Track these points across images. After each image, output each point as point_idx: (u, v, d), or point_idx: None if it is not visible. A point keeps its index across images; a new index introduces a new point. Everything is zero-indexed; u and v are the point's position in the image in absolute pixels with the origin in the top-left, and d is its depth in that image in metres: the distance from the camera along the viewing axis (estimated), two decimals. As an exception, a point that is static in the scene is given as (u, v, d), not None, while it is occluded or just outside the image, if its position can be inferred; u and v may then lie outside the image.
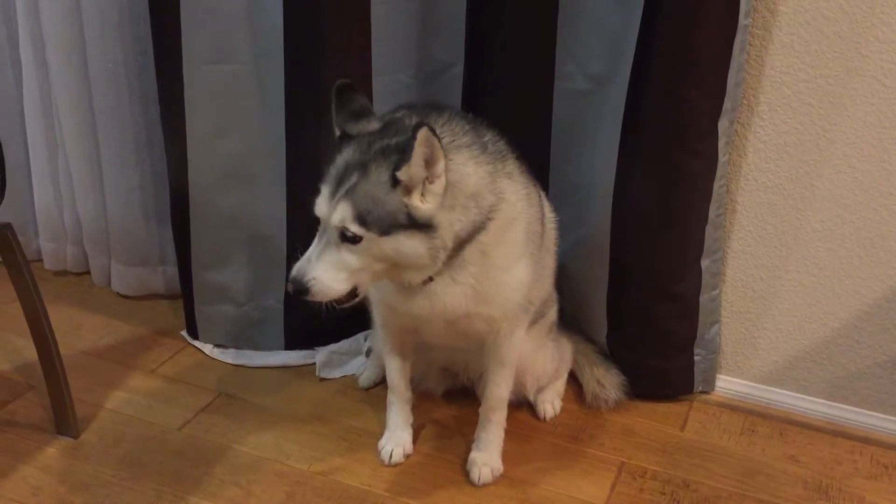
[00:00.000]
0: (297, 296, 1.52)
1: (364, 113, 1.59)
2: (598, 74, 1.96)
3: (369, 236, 1.48)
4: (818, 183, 1.93)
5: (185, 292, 2.34)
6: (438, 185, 1.48)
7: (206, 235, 2.23)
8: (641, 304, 2.07)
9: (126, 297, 2.60)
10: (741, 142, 1.96)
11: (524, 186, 1.68)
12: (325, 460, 1.92)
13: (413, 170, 1.45)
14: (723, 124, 1.87)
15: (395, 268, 1.54)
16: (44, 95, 2.50)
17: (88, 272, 2.70)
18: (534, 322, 1.91)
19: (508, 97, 2.02)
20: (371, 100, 1.80)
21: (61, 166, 2.57)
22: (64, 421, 1.95)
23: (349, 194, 1.48)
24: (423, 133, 1.42)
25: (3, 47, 2.52)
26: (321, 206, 1.52)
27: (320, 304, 1.53)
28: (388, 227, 1.48)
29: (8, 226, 1.75)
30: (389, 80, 2.03)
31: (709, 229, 1.99)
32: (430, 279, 1.61)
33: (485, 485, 1.86)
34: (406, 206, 1.47)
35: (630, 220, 1.99)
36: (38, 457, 1.90)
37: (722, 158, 1.91)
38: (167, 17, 2.00)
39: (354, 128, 1.57)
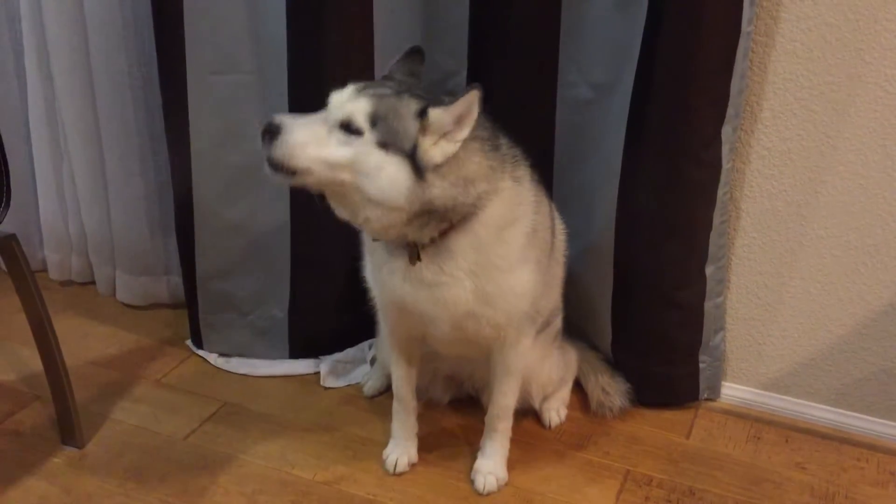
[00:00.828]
0: (263, 136, 1.47)
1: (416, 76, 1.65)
2: (602, 83, 1.96)
3: (367, 139, 1.47)
4: (822, 189, 1.93)
5: (190, 302, 2.34)
6: (449, 149, 1.49)
7: (211, 245, 2.24)
8: (646, 311, 2.07)
9: (131, 306, 2.61)
10: (745, 149, 1.96)
11: (534, 194, 1.68)
12: (330, 469, 1.92)
13: (444, 116, 1.47)
14: (726, 131, 1.87)
15: (356, 192, 1.50)
16: (48, 106, 2.51)
17: (93, 282, 2.70)
18: (540, 331, 1.91)
19: (512, 105, 2.02)
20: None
21: (66, 177, 2.58)
22: (69, 431, 1.96)
23: (375, 95, 1.50)
24: (474, 93, 1.46)
25: (8, 58, 2.53)
26: (338, 96, 1.52)
27: (272, 166, 1.49)
28: (389, 142, 1.47)
29: (13, 236, 1.76)
30: (393, 89, 2.04)
31: (713, 236, 1.99)
32: (417, 259, 1.60)
33: (490, 494, 1.86)
34: (417, 139, 1.48)
35: (634, 228, 1.99)
36: (44, 467, 1.90)
37: (726, 165, 1.91)
38: (171, 27, 2.01)
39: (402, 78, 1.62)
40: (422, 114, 1.48)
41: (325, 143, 1.48)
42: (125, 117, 2.38)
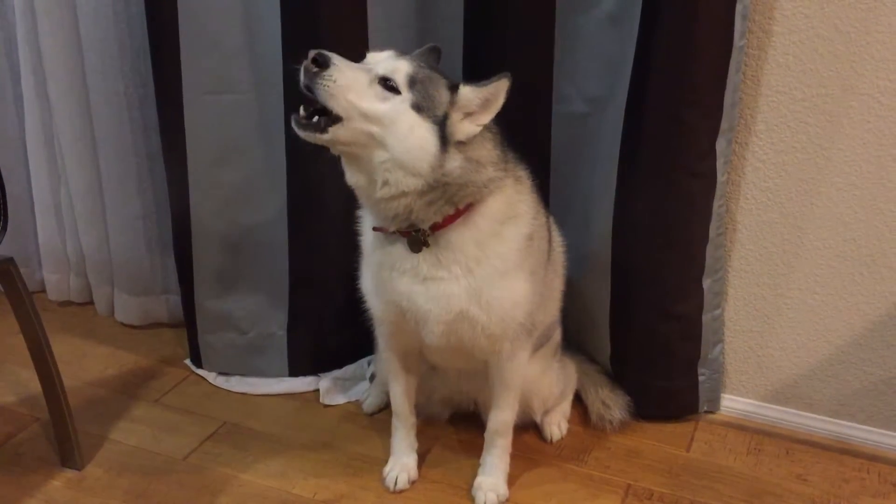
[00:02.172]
0: (306, 69, 1.45)
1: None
2: (596, 97, 1.97)
3: (403, 98, 1.50)
4: (818, 201, 1.93)
5: (189, 321, 2.34)
6: (472, 129, 1.55)
7: (209, 264, 2.24)
8: (644, 324, 2.07)
9: (130, 326, 2.61)
10: (740, 161, 1.96)
11: (533, 198, 1.71)
12: (331, 488, 1.91)
13: (474, 95, 1.54)
14: (721, 144, 1.88)
15: (382, 151, 1.51)
16: (45, 127, 2.52)
17: (92, 302, 2.71)
18: (540, 346, 1.92)
19: (508, 119, 2.02)
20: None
21: (64, 197, 2.59)
22: (68, 453, 1.95)
23: (415, 61, 1.55)
24: (504, 80, 1.54)
25: (5, 81, 2.55)
26: (379, 56, 1.55)
27: (313, 107, 1.49)
28: (423, 107, 1.51)
29: (10, 260, 1.76)
30: (388, 107, 2.04)
31: (710, 249, 1.99)
32: (423, 245, 1.61)
33: (491, 510, 1.85)
34: (447, 111, 1.53)
35: (631, 241, 2.00)
36: (44, 489, 1.90)
37: (721, 178, 1.92)
38: (167, 48, 2.02)
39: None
40: (453, 88, 1.54)
41: (366, 93, 1.49)
42: (122, 138, 2.39)
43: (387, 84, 1.50)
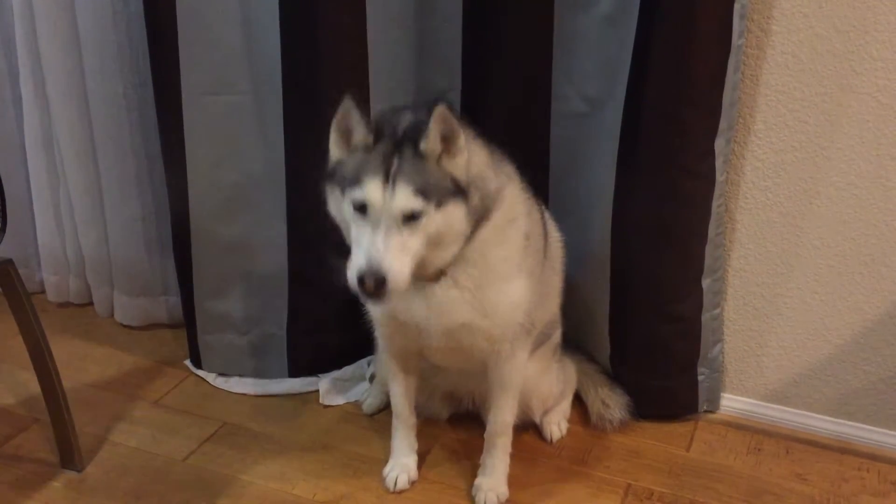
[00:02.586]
0: (370, 289, 1.44)
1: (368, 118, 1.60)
2: (595, 96, 1.97)
3: (427, 210, 1.48)
4: (817, 200, 1.93)
5: (188, 322, 2.34)
6: (461, 160, 1.51)
7: (208, 264, 2.24)
8: (643, 324, 2.07)
9: (129, 327, 2.61)
10: (739, 161, 1.96)
11: (523, 193, 1.70)
12: (331, 489, 1.91)
13: (431, 142, 1.48)
14: (720, 144, 1.88)
15: (432, 250, 1.52)
16: (44, 129, 2.51)
17: (91, 303, 2.70)
18: (539, 345, 1.92)
19: (506, 119, 2.03)
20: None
21: (63, 199, 2.59)
22: (68, 454, 1.95)
23: (402, 174, 1.48)
24: (438, 109, 1.46)
25: (4, 82, 2.55)
26: (373, 193, 1.47)
27: (380, 296, 1.47)
28: (440, 196, 1.49)
29: (9, 261, 1.76)
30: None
31: (709, 248, 1.99)
32: (441, 274, 1.61)
33: (491, 510, 1.85)
34: (448, 171, 1.50)
35: (630, 241, 2.00)
36: (43, 491, 1.90)
37: (720, 178, 1.92)
38: (166, 49, 2.02)
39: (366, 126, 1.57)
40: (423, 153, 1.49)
41: (408, 246, 1.48)
42: (121, 139, 2.39)
43: (412, 217, 1.47)
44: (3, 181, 1.80)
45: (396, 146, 1.50)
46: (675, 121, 1.83)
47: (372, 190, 1.47)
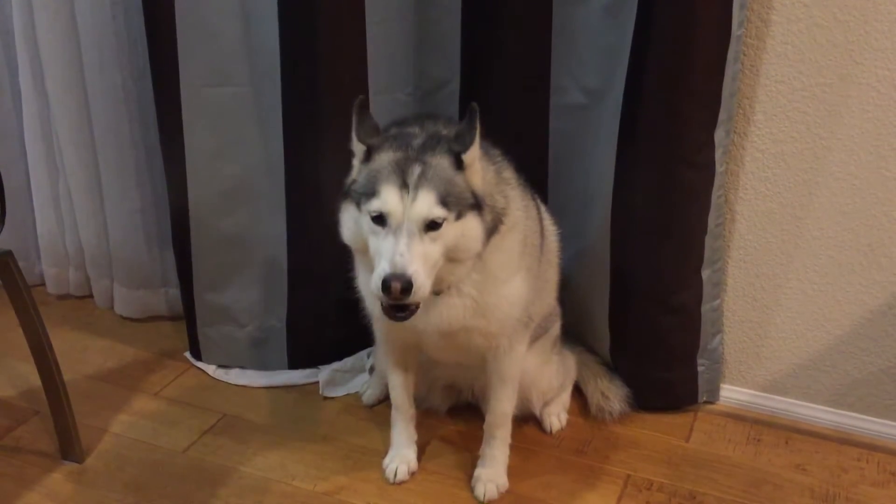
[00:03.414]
0: (396, 292, 1.42)
1: (377, 129, 1.60)
2: (594, 88, 1.97)
3: (449, 220, 1.48)
4: (816, 191, 1.93)
5: (188, 314, 2.34)
6: (478, 174, 1.54)
7: (208, 257, 2.24)
8: (643, 315, 2.07)
9: (129, 319, 2.61)
10: (738, 151, 1.96)
11: (521, 197, 1.70)
12: (330, 480, 1.92)
13: (475, 151, 1.51)
14: (719, 135, 1.88)
15: (447, 266, 1.52)
16: (43, 122, 2.51)
17: (91, 296, 2.71)
18: (537, 337, 1.92)
19: (505, 112, 2.03)
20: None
21: (62, 191, 2.59)
22: (69, 446, 1.96)
23: (425, 180, 1.47)
24: (475, 109, 1.49)
25: (3, 74, 2.54)
26: (392, 202, 1.46)
27: (404, 306, 1.47)
28: (461, 208, 1.49)
29: (9, 253, 1.76)
30: (386, 99, 2.04)
31: (708, 239, 1.99)
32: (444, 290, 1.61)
33: (490, 501, 1.85)
34: (470, 185, 1.51)
35: (629, 232, 1.99)
36: (44, 483, 1.90)
37: (719, 168, 1.92)
38: (164, 41, 2.02)
39: (375, 140, 1.57)
40: (459, 163, 1.50)
41: (429, 254, 1.48)
42: (120, 131, 2.39)
43: (433, 225, 1.47)
44: (3, 173, 1.80)
45: (417, 155, 1.50)
46: (675, 112, 1.83)
47: (391, 197, 1.46)
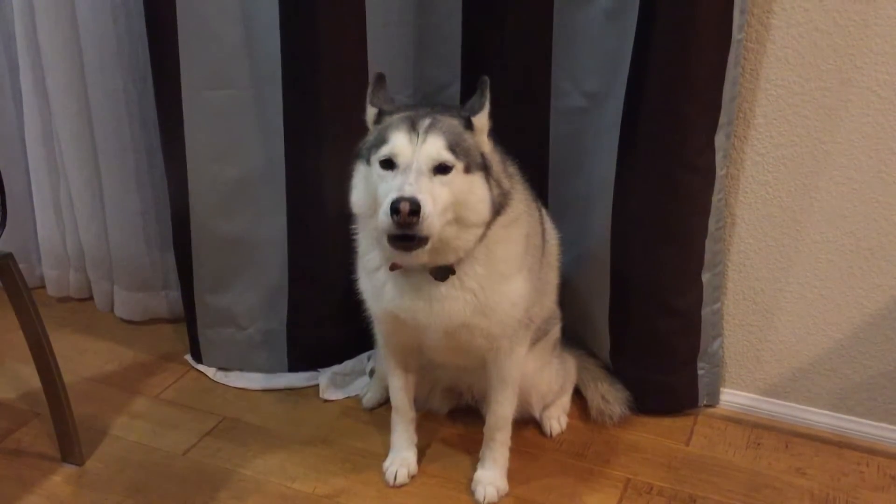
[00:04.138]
0: (405, 214, 1.41)
1: (391, 101, 1.66)
2: (594, 91, 1.97)
3: (457, 169, 1.50)
4: (817, 195, 1.93)
5: (189, 316, 2.34)
6: (488, 147, 1.59)
7: (208, 259, 2.24)
8: (643, 318, 2.07)
9: (129, 322, 2.61)
10: (739, 155, 1.96)
11: (524, 193, 1.72)
12: (330, 483, 1.92)
13: (484, 118, 1.57)
14: (719, 138, 1.88)
15: (454, 226, 1.52)
16: (45, 123, 2.52)
17: (91, 298, 2.71)
18: (537, 340, 1.92)
19: (506, 115, 2.02)
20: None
21: (63, 193, 2.59)
22: (69, 448, 1.96)
23: (435, 128, 1.50)
24: (486, 80, 1.57)
25: (4, 77, 2.55)
26: (401, 144, 1.49)
27: (412, 240, 1.45)
28: (469, 161, 1.52)
29: (9, 255, 1.76)
30: (387, 102, 2.04)
31: (709, 243, 1.99)
32: (451, 273, 1.61)
33: (490, 504, 1.85)
34: (478, 146, 1.54)
35: (630, 235, 2.00)
36: (44, 485, 1.90)
37: (720, 172, 1.92)
38: (165, 44, 2.02)
39: (388, 105, 1.62)
40: (469, 124, 1.56)
41: (438, 195, 1.48)
42: (121, 134, 2.39)
43: (443, 169, 1.49)
44: (4, 176, 1.80)
45: (428, 112, 1.54)
46: (676, 116, 1.83)
47: (399, 140, 1.50)
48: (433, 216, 1.45)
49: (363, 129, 1.66)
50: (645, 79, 1.82)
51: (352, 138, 1.65)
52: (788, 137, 1.91)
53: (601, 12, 1.88)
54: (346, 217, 1.78)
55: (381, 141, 1.52)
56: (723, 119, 1.86)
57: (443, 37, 2.05)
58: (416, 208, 1.42)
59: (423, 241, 1.47)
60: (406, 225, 1.43)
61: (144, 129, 2.39)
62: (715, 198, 1.95)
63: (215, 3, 1.98)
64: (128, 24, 2.27)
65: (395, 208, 1.42)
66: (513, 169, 1.70)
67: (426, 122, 1.51)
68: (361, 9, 1.95)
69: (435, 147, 1.48)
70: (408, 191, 1.43)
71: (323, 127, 2.04)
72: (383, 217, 1.45)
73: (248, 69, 2.04)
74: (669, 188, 1.91)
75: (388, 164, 1.50)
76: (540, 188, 1.99)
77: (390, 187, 1.47)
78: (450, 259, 1.58)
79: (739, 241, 2.04)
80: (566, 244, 1.96)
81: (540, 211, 1.83)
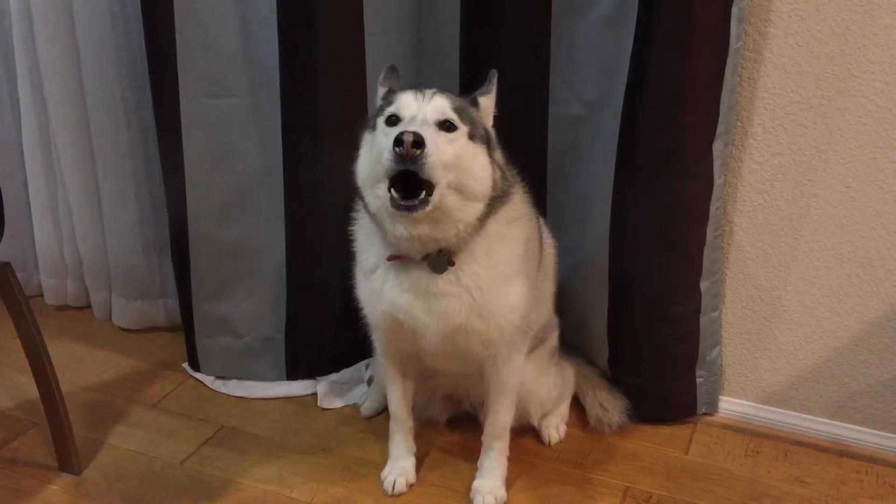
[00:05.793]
0: (408, 145, 1.40)
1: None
2: (593, 100, 1.97)
3: (461, 132, 1.52)
4: (814, 203, 1.93)
5: (187, 325, 2.34)
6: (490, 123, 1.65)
7: (206, 267, 2.24)
8: (642, 326, 2.07)
9: (127, 330, 2.61)
10: (736, 164, 1.96)
11: (525, 195, 1.72)
12: (328, 492, 1.91)
13: (490, 103, 1.64)
14: (717, 147, 1.88)
15: (456, 193, 1.51)
16: (42, 132, 2.52)
17: (89, 306, 2.71)
18: (535, 348, 1.92)
19: (504, 124, 2.03)
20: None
21: (61, 202, 2.59)
22: (66, 458, 1.95)
23: (441, 93, 1.55)
24: (495, 74, 1.65)
25: (2, 85, 2.55)
26: (408, 102, 1.53)
27: (415, 200, 1.45)
28: (473, 129, 1.54)
29: (7, 264, 1.76)
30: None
31: (707, 251, 1.99)
32: (449, 264, 1.61)
33: (489, 513, 1.85)
34: (483, 121, 1.59)
35: (628, 244, 2.00)
36: (41, 494, 1.90)
37: (717, 180, 1.92)
38: (163, 52, 2.02)
39: (398, 85, 1.66)
40: (475, 103, 1.62)
41: (442, 147, 1.48)
42: (119, 141, 2.39)
43: (447, 127, 1.50)
44: (1, 184, 1.80)
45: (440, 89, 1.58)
46: (673, 124, 1.84)
47: (406, 99, 1.54)
48: (436, 159, 1.44)
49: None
50: (643, 87, 1.83)
51: (350, 146, 1.65)
52: (786, 146, 1.91)
53: (599, 21, 1.89)
54: (344, 224, 1.78)
55: (388, 104, 1.56)
56: (720, 128, 1.86)
57: (441, 44, 2.05)
58: (419, 140, 1.41)
59: (424, 202, 1.46)
60: (410, 158, 1.42)
61: (142, 137, 2.39)
62: (713, 206, 1.95)
63: (213, 11, 1.98)
64: (126, 33, 2.27)
65: (398, 140, 1.41)
66: (513, 175, 1.70)
67: (432, 89, 1.56)
68: (359, 16, 1.95)
69: (440, 104, 1.52)
70: (412, 128, 1.44)
71: (321, 135, 2.04)
72: (386, 156, 1.44)
73: (246, 77, 2.04)
74: (668, 196, 1.91)
75: (394, 119, 1.52)
76: (538, 196, 1.99)
77: (394, 133, 1.46)
78: (450, 234, 1.56)
79: (738, 249, 2.04)
80: (564, 252, 1.96)
81: (538, 219, 1.83)
